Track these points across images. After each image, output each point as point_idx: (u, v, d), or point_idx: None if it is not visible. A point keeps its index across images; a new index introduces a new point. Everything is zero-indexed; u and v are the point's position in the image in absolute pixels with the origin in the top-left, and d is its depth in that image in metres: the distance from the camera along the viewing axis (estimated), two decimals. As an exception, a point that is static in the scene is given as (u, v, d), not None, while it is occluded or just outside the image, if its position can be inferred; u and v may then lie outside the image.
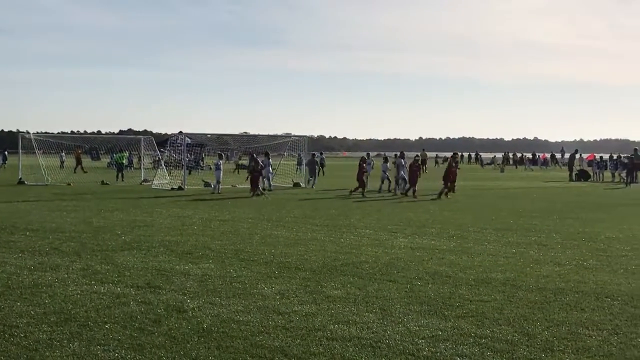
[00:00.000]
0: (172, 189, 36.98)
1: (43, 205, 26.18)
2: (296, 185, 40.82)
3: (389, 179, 35.65)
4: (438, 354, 7.87)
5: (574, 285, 11.70)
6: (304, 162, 45.21)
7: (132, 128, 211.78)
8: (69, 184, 40.73)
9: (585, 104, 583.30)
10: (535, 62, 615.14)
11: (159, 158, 46.87)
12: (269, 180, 36.87)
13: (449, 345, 8.15)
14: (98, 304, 10.05)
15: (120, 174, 45.68)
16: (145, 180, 43.07)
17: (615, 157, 56.81)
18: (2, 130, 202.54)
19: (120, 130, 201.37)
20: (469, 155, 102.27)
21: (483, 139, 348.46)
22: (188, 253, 14.72)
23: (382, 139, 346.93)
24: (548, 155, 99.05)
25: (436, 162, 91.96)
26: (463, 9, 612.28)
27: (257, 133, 60.61)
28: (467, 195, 33.44)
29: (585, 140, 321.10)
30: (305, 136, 47.35)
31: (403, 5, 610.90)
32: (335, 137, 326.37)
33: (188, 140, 42.99)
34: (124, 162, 48.82)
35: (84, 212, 23.43)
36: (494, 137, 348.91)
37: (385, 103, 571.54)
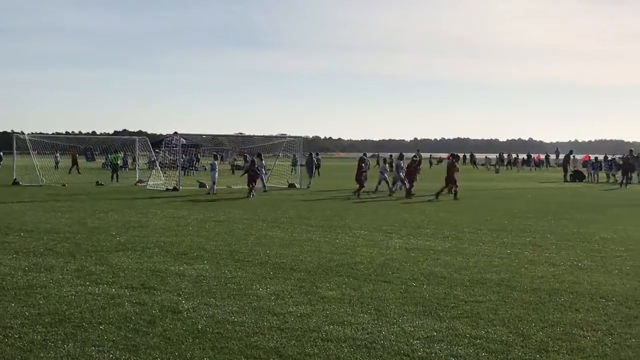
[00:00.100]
0: (167, 189, 36.95)
1: (38, 206, 26.14)
2: (291, 186, 40.82)
3: (386, 181, 35.67)
4: (433, 354, 7.87)
5: (569, 285, 11.71)
6: (299, 162, 45.22)
7: (127, 129, 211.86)
8: (64, 185, 40.66)
9: (581, 105, 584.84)
10: (531, 64, 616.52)
11: (154, 159, 46.83)
12: (262, 181, 36.86)
13: (444, 346, 8.16)
14: (92, 304, 10.03)
15: (115, 175, 45.66)
16: (140, 181, 43.04)
17: (610, 158, 56.88)
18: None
19: (115, 131, 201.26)
20: (464, 156, 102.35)
21: (478, 139, 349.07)
22: (183, 254, 14.70)
23: (377, 139, 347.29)
24: (543, 157, 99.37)
25: (430, 163, 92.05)
26: (460, 10, 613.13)
27: (252, 134, 60.55)
28: (462, 196, 33.41)
29: (580, 141, 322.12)
30: (300, 137, 47.35)
31: (400, 6, 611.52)
32: (331, 137, 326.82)
33: (183, 141, 42.98)
34: (118, 162, 48.78)
35: (78, 213, 23.40)
36: (489, 138, 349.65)
37: (381, 104, 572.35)
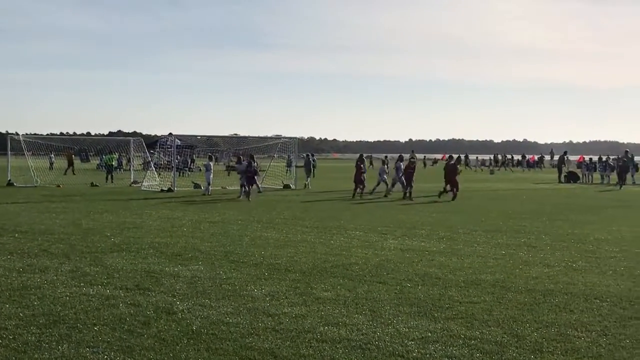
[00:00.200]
0: (162, 190, 36.92)
1: (32, 207, 26.09)
2: (286, 187, 40.81)
3: (386, 182, 35.69)
4: (427, 355, 7.88)
5: (563, 286, 11.73)
6: (294, 163, 45.21)
7: (122, 129, 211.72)
8: (58, 186, 40.59)
9: (575, 106, 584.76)
10: (526, 65, 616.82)
11: (148, 160, 46.80)
12: (256, 182, 36.81)
13: (439, 347, 8.17)
14: (87, 306, 10.02)
15: (109, 176, 45.60)
16: (134, 182, 43.00)
17: (604, 159, 56.97)
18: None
19: (109, 132, 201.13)
20: (458, 157, 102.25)
21: (473, 140, 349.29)
22: (177, 255, 14.69)
23: (372, 140, 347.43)
24: (537, 158, 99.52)
25: (424, 164, 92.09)
26: (455, 11, 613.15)
27: (247, 135, 60.52)
28: (457, 197, 33.45)
29: (574, 142, 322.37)
30: (295, 138, 47.33)
31: (398, 7, 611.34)
32: (326, 138, 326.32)
33: (178, 141, 42.97)
34: (113, 163, 48.72)
35: (73, 214, 23.37)
36: (484, 139, 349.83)
37: (376, 105, 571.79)
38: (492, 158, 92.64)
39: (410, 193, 32.20)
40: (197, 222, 21.24)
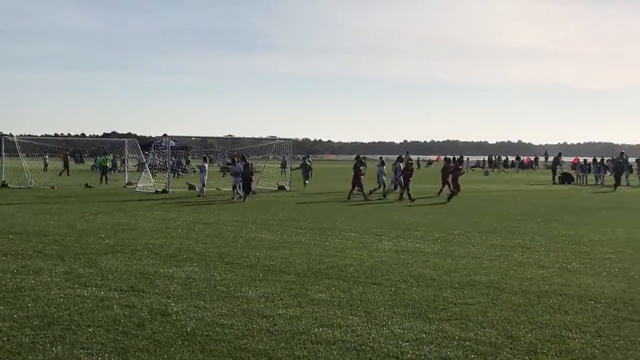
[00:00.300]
0: (157, 192, 36.88)
1: (26, 208, 26.04)
2: (281, 188, 40.77)
3: (384, 183, 35.71)
4: (422, 356, 7.89)
5: (558, 288, 11.75)
6: (289, 165, 45.18)
7: (117, 131, 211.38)
8: (53, 187, 40.49)
9: (570, 108, 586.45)
10: (521, 67, 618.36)
11: (143, 161, 46.74)
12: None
13: (433, 348, 8.17)
14: (81, 307, 10.00)
15: (104, 177, 45.52)
16: (129, 183, 42.94)
17: (599, 160, 57.07)
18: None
19: (104, 133, 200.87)
20: (460, 158, 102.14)
21: (467, 141, 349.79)
22: (172, 256, 14.68)
23: (367, 141, 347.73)
24: (532, 159, 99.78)
25: (418, 166, 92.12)
26: (448, 13, 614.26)
27: (242, 136, 60.45)
28: (453, 197, 33.51)
29: (569, 143, 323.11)
30: (290, 139, 47.31)
31: (387, 8, 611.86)
32: (320, 140, 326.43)
33: (172, 143, 42.89)
34: (108, 165, 48.63)
35: (67, 215, 23.32)
36: (479, 140, 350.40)
37: (371, 106, 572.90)
38: (485, 159, 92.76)
39: (409, 195, 32.20)
40: (192, 223, 21.22)
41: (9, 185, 40.65)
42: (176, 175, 48.58)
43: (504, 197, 36.17)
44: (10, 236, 17.60)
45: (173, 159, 46.14)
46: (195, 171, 49.00)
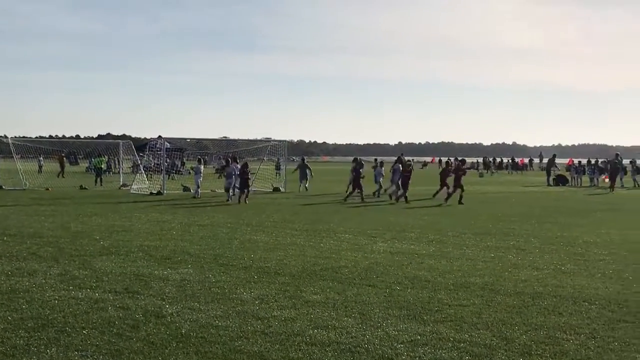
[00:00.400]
0: (151, 193, 36.84)
1: (21, 210, 26.00)
2: (276, 189, 40.75)
3: (381, 184, 35.73)
4: (417, 358, 7.89)
5: (552, 289, 11.77)
6: (283, 166, 45.20)
7: (111, 132, 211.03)
8: (47, 189, 40.43)
9: (565, 109, 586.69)
10: (514, 68, 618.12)
11: (138, 163, 46.72)
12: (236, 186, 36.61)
13: (428, 350, 8.18)
14: (76, 309, 9.99)
15: (98, 179, 45.47)
16: (124, 185, 42.90)
17: (593, 162, 57.18)
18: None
19: (99, 135, 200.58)
20: (463, 160, 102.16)
21: (462, 143, 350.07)
22: (167, 258, 14.66)
23: (362, 143, 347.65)
24: (527, 160, 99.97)
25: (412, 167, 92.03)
26: (446, 14, 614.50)
27: (236, 138, 60.44)
28: (431, 199, 33.55)
29: (563, 145, 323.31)
30: (285, 141, 47.31)
31: (382, 9, 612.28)
32: (315, 141, 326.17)
33: (167, 144, 42.87)
34: (102, 166, 48.59)
35: (62, 217, 23.29)
36: (473, 142, 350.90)
37: (365, 108, 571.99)
38: (479, 161, 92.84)
39: (405, 197, 32.21)
40: (187, 225, 21.21)
41: (4, 187, 40.61)
42: (170, 177, 48.56)
43: (498, 199, 36.22)
44: (5, 238, 17.57)
45: (167, 160, 46.15)
46: (190, 173, 48.99)
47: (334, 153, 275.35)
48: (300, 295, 11.09)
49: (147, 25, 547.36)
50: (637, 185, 49.87)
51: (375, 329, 9.10)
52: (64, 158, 59.17)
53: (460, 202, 31.15)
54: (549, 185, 52.08)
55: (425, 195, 34.84)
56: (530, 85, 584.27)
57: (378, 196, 35.05)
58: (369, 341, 8.50)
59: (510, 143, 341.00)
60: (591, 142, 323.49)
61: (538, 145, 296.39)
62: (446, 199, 31.46)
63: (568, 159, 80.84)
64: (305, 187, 40.76)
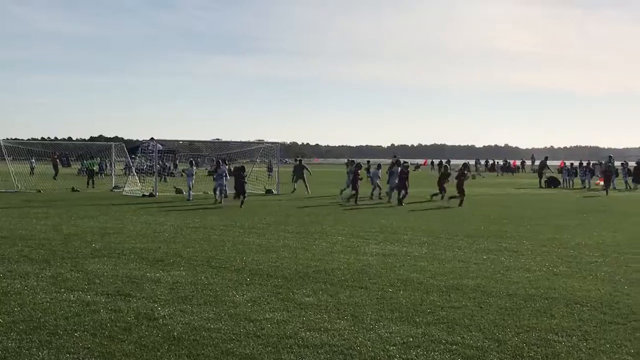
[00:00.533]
0: (144, 195, 36.80)
1: (12, 212, 25.92)
2: (268, 192, 40.74)
3: (379, 186, 35.73)
4: (409, 360, 7.90)
5: (544, 291, 11.78)
6: (274, 168, 45.21)
7: (103, 134, 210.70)
8: (39, 191, 40.37)
9: (557, 112, 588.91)
10: (506, 70, 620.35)
11: (130, 165, 46.64)
12: (225, 187, 36.53)
13: (420, 352, 8.18)
14: (68, 312, 9.96)
15: (91, 181, 45.38)
16: (116, 187, 42.84)
17: (585, 164, 57.29)
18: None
19: (91, 137, 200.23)
20: (440, 162, 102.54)
21: (455, 145, 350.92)
22: (159, 260, 14.64)
23: (355, 145, 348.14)
24: (519, 162, 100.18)
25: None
26: (436, 17, 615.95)
27: (229, 139, 60.42)
28: (439, 202, 33.58)
29: (555, 147, 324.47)
30: (278, 143, 47.32)
31: (376, 12, 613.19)
32: (308, 143, 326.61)
33: (159, 146, 42.79)
34: (94, 168, 48.48)
35: (54, 219, 23.24)
36: (466, 144, 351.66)
37: (358, 110, 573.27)
38: (472, 163, 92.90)
39: (401, 199, 32.23)
40: (179, 227, 21.18)
41: (-5, 189, 40.49)
42: (163, 179, 48.47)
43: (490, 201, 36.25)
44: (-4, 240, 17.52)
45: (160, 162, 46.09)
46: (182, 175, 48.94)
47: (326, 155, 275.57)
48: (292, 297, 11.09)
49: (139, 27, 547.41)
50: (629, 187, 50.00)
51: (367, 331, 9.10)
52: (58, 160, 59.07)
53: (460, 204, 31.25)
54: (541, 187, 52.16)
55: (418, 198, 34.87)
56: (522, 87, 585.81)
57: (371, 198, 35.06)
58: (361, 343, 8.50)
59: (503, 145, 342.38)
60: (583, 145, 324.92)
61: (530, 147, 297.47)
62: (450, 198, 31.58)
63: (560, 161, 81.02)
64: (307, 188, 40.71)
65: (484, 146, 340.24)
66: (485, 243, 18.03)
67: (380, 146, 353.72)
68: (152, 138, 41.84)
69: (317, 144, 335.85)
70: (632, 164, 57.90)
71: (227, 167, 33.48)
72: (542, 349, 8.35)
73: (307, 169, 43.28)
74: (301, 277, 12.89)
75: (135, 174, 43.60)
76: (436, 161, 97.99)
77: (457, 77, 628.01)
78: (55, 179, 51.86)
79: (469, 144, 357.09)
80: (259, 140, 55.60)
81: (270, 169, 51.31)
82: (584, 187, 51.47)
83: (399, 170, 33.41)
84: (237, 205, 29.93)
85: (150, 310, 10.10)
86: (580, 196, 41.68)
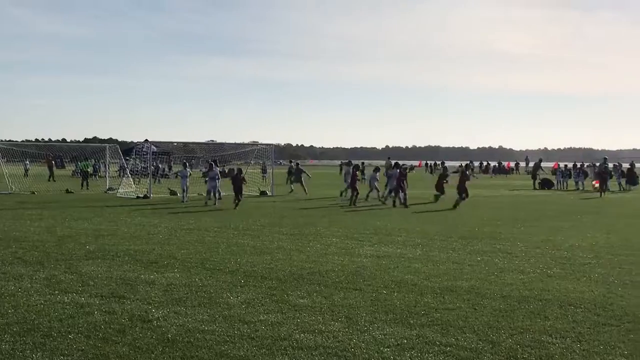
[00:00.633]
0: (138, 197, 36.76)
1: (6, 214, 25.88)
2: (263, 193, 40.73)
3: (377, 189, 35.74)
4: (403, 362, 7.91)
5: (538, 293, 11.80)
6: (269, 170, 45.21)
7: (98, 136, 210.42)
8: (33, 193, 40.33)
9: (551, 113, 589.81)
10: (500, 72, 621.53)
11: (124, 166, 46.60)
12: (218, 189, 36.47)
13: (414, 354, 8.19)
14: (62, 313, 9.95)
15: (85, 182, 45.32)
16: (110, 189, 42.79)
17: (579, 165, 57.38)
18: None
19: (85, 139, 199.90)
20: (435, 164, 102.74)
21: (449, 147, 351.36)
22: (153, 262, 14.63)
23: (349, 147, 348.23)
24: (513, 164, 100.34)
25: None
26: (430, 18, 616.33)
27: (223, 141, 60.39)
28: (433, 203, 33.64)
29: (549, 149, 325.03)
30: (272, 144, 47.35)
31: (370, 14, 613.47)
32: (302, 145, 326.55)
33: (154, 148, 42.77)
34: (89, 170, 48.40)
35: (48, 221, 23.20)
36: (460, 146, 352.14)
37: (353, 112, 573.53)
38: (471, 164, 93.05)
39: (394, 201, 32.24)
40: (173, 229, 21.16)
41: (-11, 190, 40.41)
42: (157, 180, 48.42)
43: (484, 203, 36.28)
44: (-10, 242, 17.49)
45: (155, 164, 46.07)
46: (177, 177, 48.90)
47: (321, 157, 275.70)
48: (287, 299, 11.09)
49: (135, 30, 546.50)
50: (622, 189, 50.11)
51: (361, 333, 9.10)
52: (53, 162, 58.98)
53: (454, 207, 31.26)
54: (534, 189, 52.24)
55: (412, 200, 34.88)
56: (517, 89, 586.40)
57: (367, 200, 35.05)
58: (355, 345, 8.50)
59: (497, 147, 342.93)
60: (577, 146, 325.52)
61: (524, 149, 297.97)
62: (463, 200, 31.68)
63: (554, 163, 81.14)
64: (304, 189, 40.75)
65: (478, 148, 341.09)
66: (480, 245, 18.05)
67: (374, 148, 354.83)
68: (146, 140, 41.83)
69: (311, 146, 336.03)
70: (625, 165, 58.06)
71: (218, 169, 33.45)
72: (536, 351, 8.37)
73: (305, 172, 43.35)
74: (295, 278, 12.89)
75: (129, 175, 43.55)
76: (431, 162, 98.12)
77: (453, 79, 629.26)
78: (53, 180, 51.84)
79: (464, 146, 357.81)
80: (254, 141, 55.60)
81: (264, 171, 51.30)
82: (578, 188, 51.55)
83: (398, 172, 33.42)
84: (231, 207, 29.89)
85: (144, 312, 10.09)
86: (574, 198, 41.76)
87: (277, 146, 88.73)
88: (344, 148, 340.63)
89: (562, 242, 18.84)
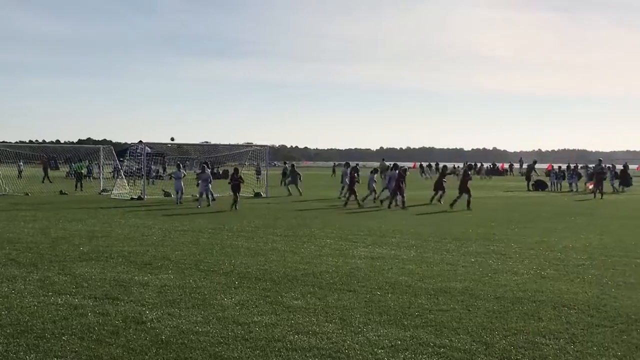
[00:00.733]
0: (132, 198, 36.73)
1: (0, 215, 25.81)
2: (257, 195, 40.72)
3: (374, 191, 35.73)
4: (397, 363, 7.91)
5: (532, 294, 11.82)
6: (263, 171, 45.22)
7: (92, 137, 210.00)
8: (27, 194, 40.27)
9: (545, 115, 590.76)
10: (495, 74, 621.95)
11: (118, 167, 46.56)
12: (210, 191, 36.44)
13: (408, 355, 8.19)
14: (55, 315, 9.94)
15: (79, 184, 45.26)
16: (104, 190, 42.73)
17: (572, 167, 57.49)
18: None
19: (79, 140, 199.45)
20: (429, 165, 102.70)
21: (443, 148, 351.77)
22: (147, 264, 14.62)
23: (344, 148, 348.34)
24: (507, 166, 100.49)
25: None
26: (424, 20, 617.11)
27: (218, 142, 60.24)
28: (427, 205, 33.66)
29: (543, 150, 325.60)
30: (267, 146, 47.33)
31: (364, 16, 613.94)
32: (297, 146, 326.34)
33: (148, 149, 42.73)
34: (83, 171, 48.34)
35: (41, 222, 23.17)
36: (454, 147, 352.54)
37: (347, 113, 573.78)
38: (456, 166, 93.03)
39: (390, 202, 32.25)
40: (167, 230, 21.15)
41: (-18, 192, 40.32)
42: (151, 182, 48.37)
43: (478, 204, 36.26)
44: (-16, 244, 17.45)
45: (149, 165, 46.04)
46: (171, 178, 48.83)
47: (315, 158, 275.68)
48: (281, 300, 11.09)
49: (130, 31, 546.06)
50: (615, 191, 50.21)
51: (355, 334, 9.10)
52: (47, 163, 58.88)
53: (451, 205, 31.32)
54: (529, 190, 52.32)
55: (407, 201, 34.89)
56: (510, 91, 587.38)
57: (363, 201, 35.02)
58: (349, 346, 8.50)
59: (491, 148, 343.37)
60: (571, 148, 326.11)
61: (518, 150, 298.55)
62: (468, 204, 31.64)
63: (548, 164, 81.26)
64: (299, 191, 40.79)
65: (472, 149, 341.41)
66: (473, 246, 18.06)
67: (369, 149, 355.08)
68: (140, 141, 41.79)
69: (305, 147, 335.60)
70: (619, 167, 58.17)
71: (210, 170, 33.43)
72: (529, 352, 8.38)
73: (299, 174, 43.42)
74: (289, 280, 12.89)
75: (123, 177, 43.50)
76: (425, 164, 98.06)
77: (448, 81, 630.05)
78: (49, 181, 51.75)
79: (458, 147, 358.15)
80: (248, 143, 55.47)
81: (259, 172, 51.31)
82: (572, 190, 51.63)
83: (397, 173, 33.41)
84: (226, 209, 29.88)
85: (138, 313, 10.08)
86: (567, 199, 41.82)
87: (272, 147, 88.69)
88: (338, 149, 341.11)
89: (556, 243, 18.86)
